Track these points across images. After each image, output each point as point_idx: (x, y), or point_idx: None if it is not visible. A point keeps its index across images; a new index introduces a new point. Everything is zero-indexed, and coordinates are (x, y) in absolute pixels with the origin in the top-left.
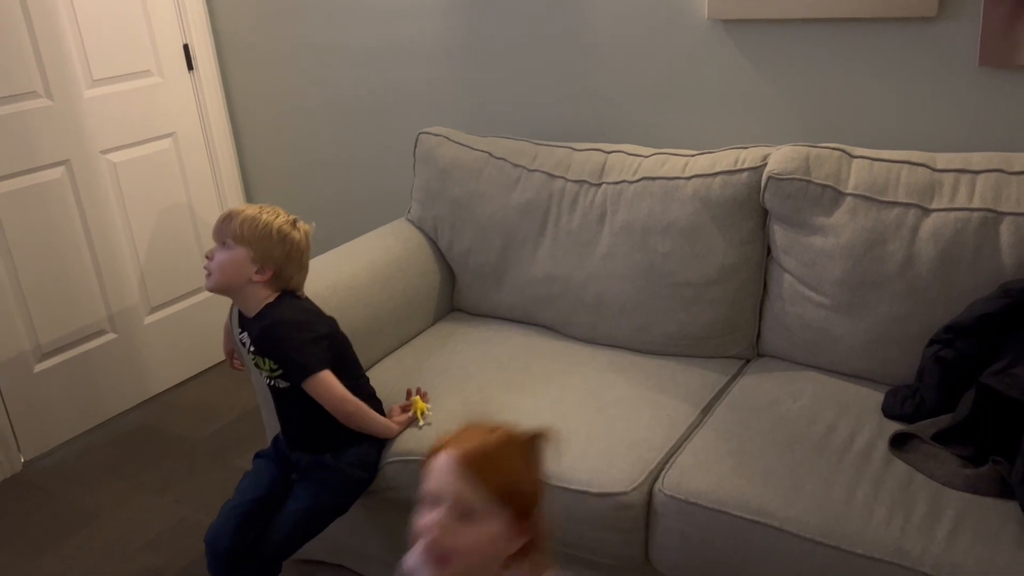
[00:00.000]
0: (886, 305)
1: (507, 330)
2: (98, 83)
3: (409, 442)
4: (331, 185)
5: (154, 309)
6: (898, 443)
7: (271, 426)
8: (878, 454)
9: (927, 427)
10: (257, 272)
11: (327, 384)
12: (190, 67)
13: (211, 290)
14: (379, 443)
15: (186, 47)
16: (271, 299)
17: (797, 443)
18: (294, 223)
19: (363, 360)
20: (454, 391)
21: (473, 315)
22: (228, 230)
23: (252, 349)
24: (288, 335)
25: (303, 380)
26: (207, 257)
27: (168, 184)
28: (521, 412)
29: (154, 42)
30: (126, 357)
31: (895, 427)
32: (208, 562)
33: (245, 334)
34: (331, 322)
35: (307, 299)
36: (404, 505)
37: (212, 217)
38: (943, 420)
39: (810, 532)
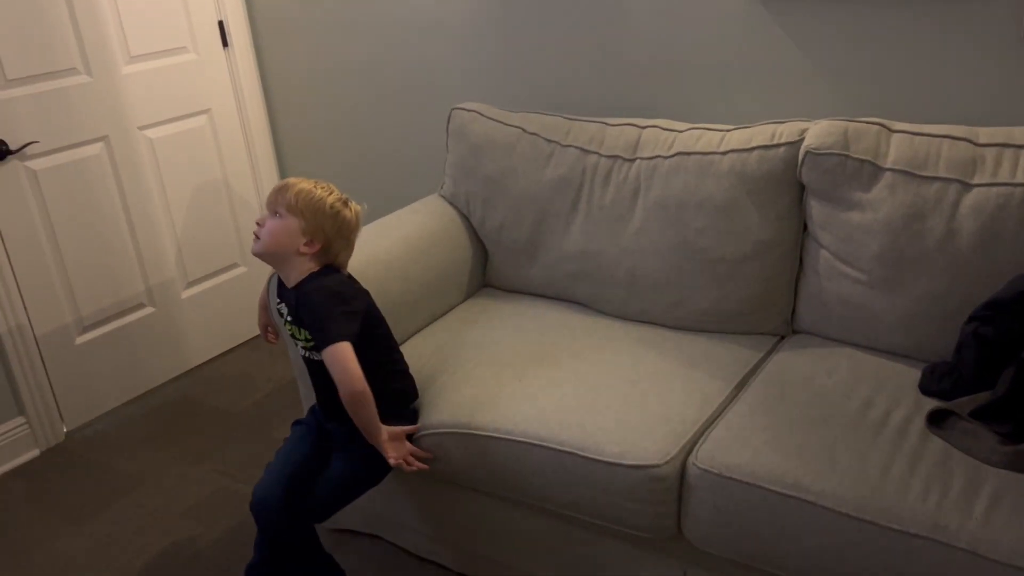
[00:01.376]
0: (925, 281)
1: (539, 306)
2: (135, 59)
3: (443, 413)
4: (364, 161)
5: (191, 284)
6: (935, 420)
7: (307, 397)
8: (915, 430)
9: (965, 404)
10: (306, 244)
11: (343, 356)
12: (225, 44)
13: (257, 254)
14: (412, 417)
15: (221, 24)
16: (314, 270)
17: (832, 418)
18: (346, 202)
19: (397, 334)
20: (487, 365)
21: (506, 291)
22: (283, 200)
23: (289, 319)
24: (323, 302)
25: (323, 347)
26: (258, 223)
27: (204, 160)
28: (553, 385)
29: (190, 19)
30: (164, 330)
31: (932, 404)
32: (259, 521)
33: (283, 304)
34: (368, 299)
35: (349, 275)
36: (439, 476)
37: (247, 192)
38: (981, 397)
39: (845, 507)
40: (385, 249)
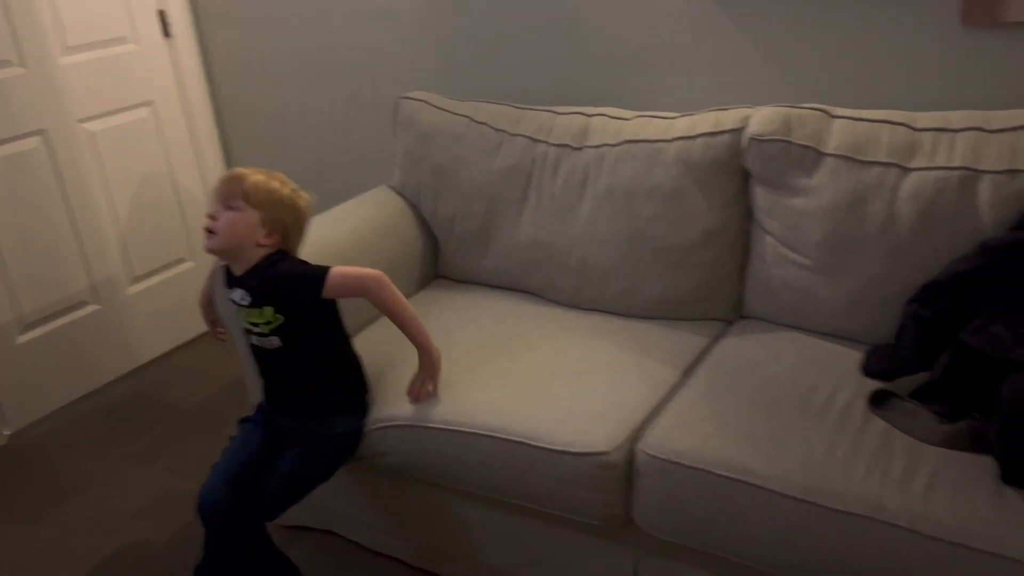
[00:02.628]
0: (867, 265)
1: (491, 296)
2: (73, 50)
3: (393, 407)
4: (312, 151)
5: (137, 279)
6: (877, 401)
7: (256, 394)
8: (858, 412)
9: (905, 385)
10: (266, 235)
11: (345, 271)
12: (166, 34)
13: (213, 250)
14: (364, 410)
15: (161, 13)
16: (267, 255)
17: (779, 403)
18: (297, 191)
19: (348, 328)
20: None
21: (458, 282)
22: (238, 191)
23: (246, 304)
24: (289, 267)
25: (322, 286)
26: (211, 217)
27: (147, 153)
28: (505, 376)
29: (129, 8)
30: (111, 327)
31: (875, 386)
32: (206, 523)
33: (237, 291)
34: None
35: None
36: (391, 470)
37: (193, 185)
38: (921, 378)
39: (792, 490)
40: (332, 241)
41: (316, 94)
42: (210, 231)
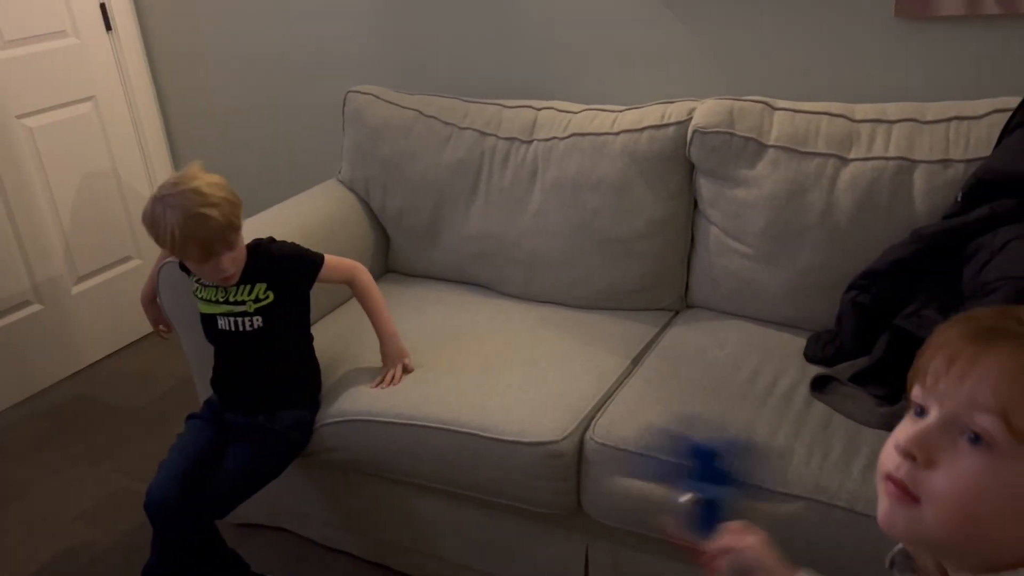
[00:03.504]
0: (807, 254)
1: (442, 289)
2: (10, 44)
3: (344, 402)
4: (260, 145)
5: (81, 279)
6: (818, 386)
7: (204, 390)
8: (799, 397)
9: (845, 369)
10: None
11: (337, 258)
12: (108, 27)
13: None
14: (314, 405)
15: (103, 6)
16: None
17: (723, 389)
18: (220, 186)
19: None
20: None
21: (408, 275)
22: (231, 237)
23: (236, 282)
24: (286, 248)
25: (319, 269)
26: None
27: (90, 149)
28: (455, 368)
29: (69, 2)
30: (54, 328)
31: (816, 371)
32: (154, 521)
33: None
34: None
35: None
36: (341, 465)
37: (138, 182)
38: (860, 362)
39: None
40: (281, 235)
41: (263, 88)
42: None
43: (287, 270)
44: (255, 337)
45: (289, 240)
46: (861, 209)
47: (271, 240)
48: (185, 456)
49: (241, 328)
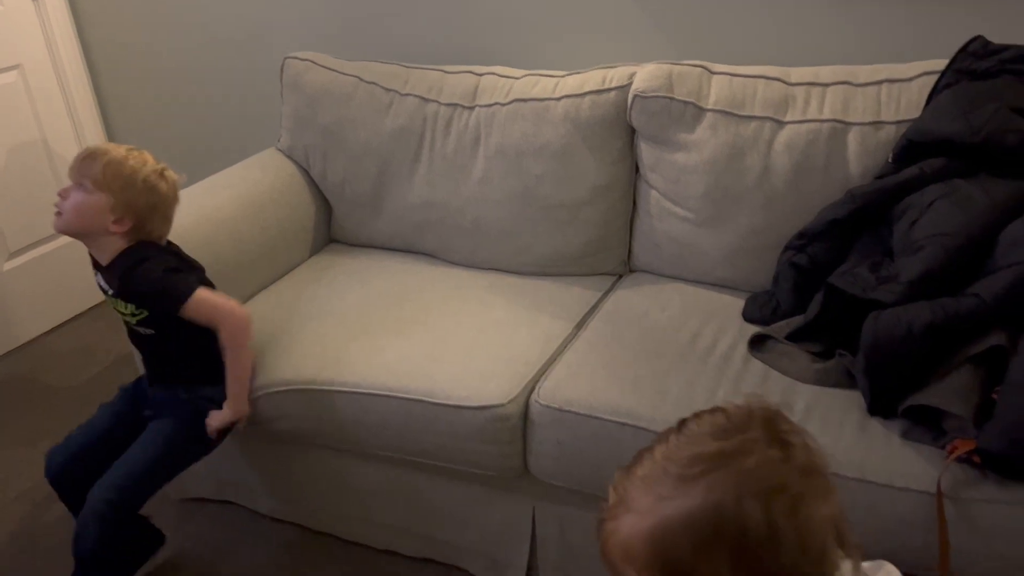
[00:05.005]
0: (745, 216)
1: (387, 259)
2: None
3: (287, 371)
4: (196, 115)
5: (13, 255)
6: (756, 345)
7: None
8: (738, 356)
9: (781, 328)
10: (115, 222)
11: (207, 300)
12: None
13: (60, 231)
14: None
15: None
16: (126, 247)
17: (664, 350)
18: (162, 172)
19: (236, 295)
20: (332, 321)
21: (352, 246)
22: (88, 171)
23: (111, 292)
24: (150, 277)
25: (179, 308)
26: (60, 195)
27: (18, 120)
28: (400, 337)
29: None
30: None
31: (754, 330)
32: (56, 491)
33: (101, 276)
34: (199, 268)
35: (169, 243)
36: (286, 436)
37: (70, 154)
38: (795, 321)
39: None
40: (215, 207)
41: (199, 54)
42: (58, 210)
43: (147, 301)
44: (153, 339)
45: (230, 207)
46: (797, 171)
47: (143, 260)
48: (89, 429)
49: (139, 332)
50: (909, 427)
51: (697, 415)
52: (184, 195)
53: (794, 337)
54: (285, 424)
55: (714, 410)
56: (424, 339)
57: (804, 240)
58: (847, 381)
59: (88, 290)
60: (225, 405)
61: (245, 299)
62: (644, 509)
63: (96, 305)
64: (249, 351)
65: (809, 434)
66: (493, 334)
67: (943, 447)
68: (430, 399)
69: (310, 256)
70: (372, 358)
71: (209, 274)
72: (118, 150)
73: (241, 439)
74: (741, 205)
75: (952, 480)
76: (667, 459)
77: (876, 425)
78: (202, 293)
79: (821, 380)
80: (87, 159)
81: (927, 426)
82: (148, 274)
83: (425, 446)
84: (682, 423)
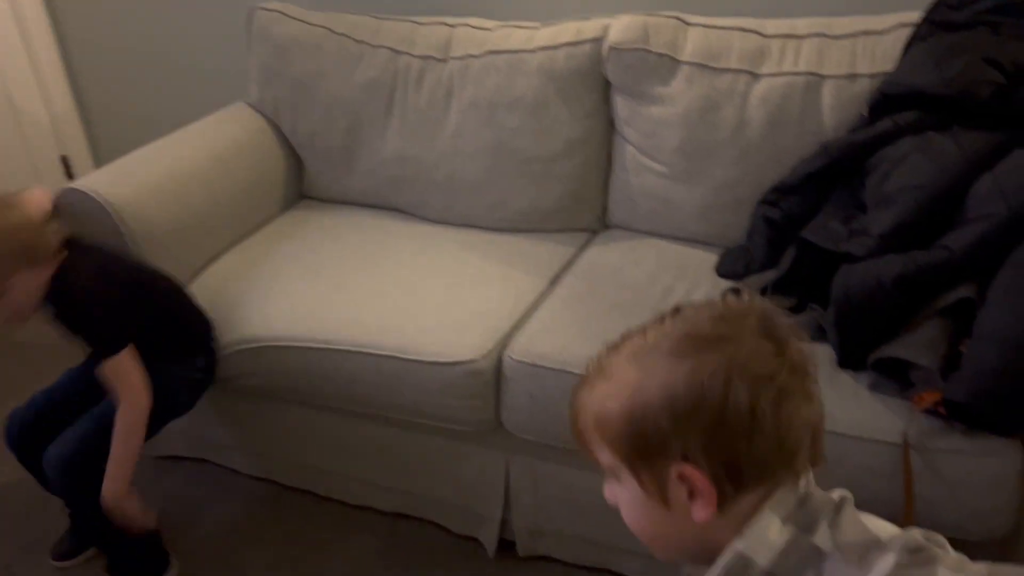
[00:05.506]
0: (720, 170)
1: (360, 215)
2: None
3: (258, 327)
4: (164, 66)
5: None
6: None
7: None
8: None
9: (755, 282)
10: (4, 285)
11: (117, 372)
12: None
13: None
14: (212, 355)
15: None
16: (53, 272)
17: (637, 305)
18: (11, 206)
19: (203, 253)
20: (304, 277)
21: (324, 202)
22: None
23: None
24: (90, 309)
25: (97, 363)
26: None
27: None
28: (374, 293)
29: None
30: None
31: (728, 285)
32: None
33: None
34: (128, 272)
35: (95, 250)
36: (260, 393)
37: (33, 107)
38: (769, 275)
39: None
40: (186, 160)
41: (166, 4)
42: None
43: (82, 336)
44: None
45: (200, 162)
46: (772, 124)
47: (83, 295)
48: (45, 394)
49: None
50: (877, 379)
51: (695, 304)
52: (152, 148)
53: (767, 291)
54: (257, 380)
55: (712, 300)
56: (397, 295)
57: (778, 194)
58: (818, 335)
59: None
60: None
61: (216, 255)
62: (627, 380)
63: None
64: (141, 436)
65: (803, 336)
66: (466, 290)
67: (910, 399)
68: (403, 355)
69: (282, 212)
70: (344, 314)
71: (178, 231)
72: None
73: (214, 397)
74: (716, 159)
75: (918, 431)
76: (660, 336)
77: (845, 378)
78: (118, 361)
79: None
80: None
81: (895, 378)
82: (91, 310)
83: (398, 401)
84: (678, 308)
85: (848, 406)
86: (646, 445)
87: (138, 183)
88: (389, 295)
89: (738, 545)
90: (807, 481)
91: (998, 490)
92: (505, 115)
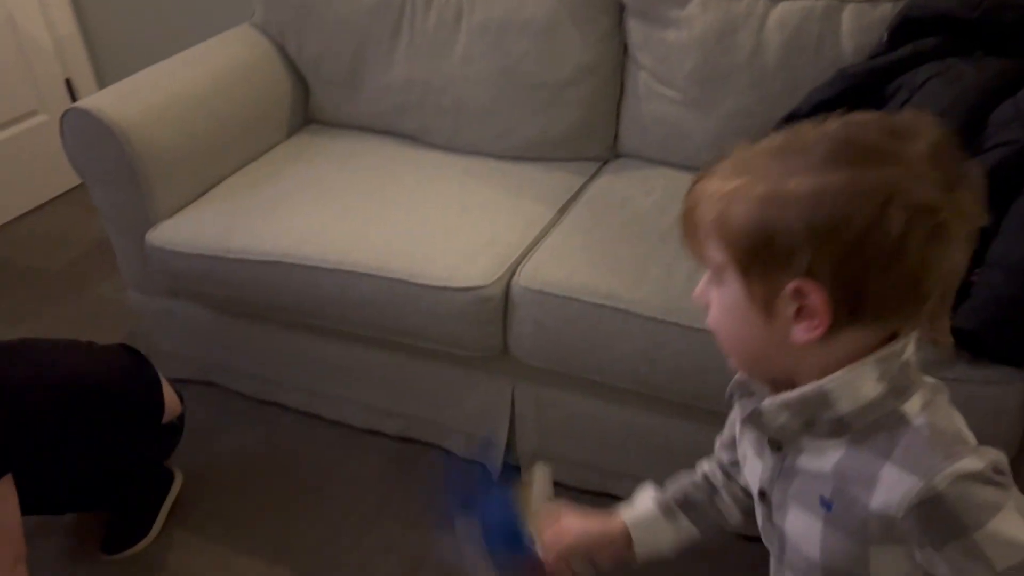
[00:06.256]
0: (733, 97)
1: (366, 140)
2: None
3: (265, 243)
4: None
5: None
6: None
7: (125, 263)
8: None
9: None
10: None
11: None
12: None
13: None
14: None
15: None
16: None
17: (645, 235)
18: None
19: (208, 176)
20: (311, 199)
21: (330, 126)
22: None
23: None
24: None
25: None
26: None
27: None
28: (381, 217)
29: None
30: None
31: None
32: None
33: None
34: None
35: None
36: (266, 313)
37: (35, 29)
38: None
39: (653, 312)
40: (191, 82)
41: None
42: None
43: None
44: None
45: (203, 84)
46: (789, 50)
47: None
48: None
49: None
50: None
51: (864, 113)
52: (156, 70)
53: None
54: (263, 296)
55: (885, 113)
56: (405, 220)
57: (790, 122)
58: None
59: (63, 173)
60: None
61: (221, 179)
62: (767, 175)
63: (72, 189)
64: None
65: (977, 180)
66: (475, 217)
67: None
68: (412, 279)
69: (288, 137)
70: (353, 237)
71: (183, 153)
72: None
73: (220, 321)
74: (730, 85)
75: (924, 359)
76: (818, 137)
77: None
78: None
79: None
80: None
81: None
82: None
83: (406, 326)
84: (845, 112)
85: None
86: (770, 253)
87: (143, 105)
88: (397, 220)
89: (827, 384)
90: (912, 348)
91: (1002, 419)
92: (515, 39)
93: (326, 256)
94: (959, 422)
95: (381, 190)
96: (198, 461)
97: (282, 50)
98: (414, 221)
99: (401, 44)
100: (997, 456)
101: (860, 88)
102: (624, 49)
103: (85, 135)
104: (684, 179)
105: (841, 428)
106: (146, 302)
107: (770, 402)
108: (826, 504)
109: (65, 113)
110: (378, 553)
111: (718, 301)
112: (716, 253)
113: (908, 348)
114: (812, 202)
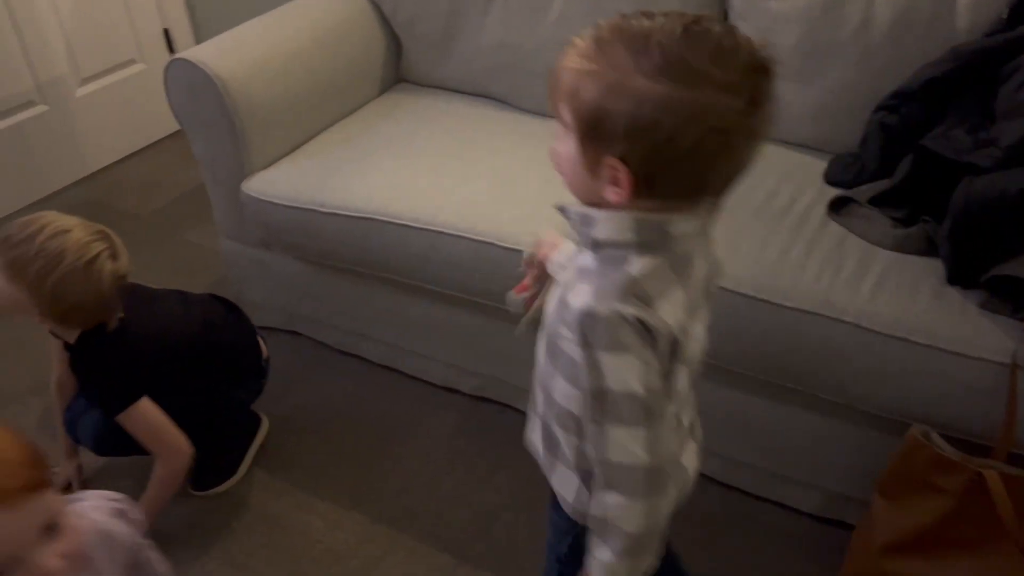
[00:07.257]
0: (837, 71)
1: (456, 101)
2: None
3: (357, 199)
4: None
5: (85, 80)
6: (836, 208)
7: (219, 208)
8: (815, 217)
9: (865, 191)
10: (40, 317)
11: (148, 423)
12: None
13: None
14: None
15: None
16: (79, 335)
17: (738, 208)
18: (92, 260)
19: (303, 130)
20: (400, 157)
21: (421, 86)
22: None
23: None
24: (91, 373)
25: (111, 414)
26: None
27: None
28: (469, 179)
29: None
30: (60, 130)
31: (835, 193)
32: None
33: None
34: (172, 351)
35: (133, 335)
36: (354, 267)
37: None
38: (881, 184)
39: (743, 288)
40: (288, 38)
41: None
42: None
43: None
44: None
45: (300, 40)
46: (898, 24)
47: (92, 344)
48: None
49: None
50: (988, 298)
51: (709, 20)
52: (255, 25)
53: (877, 201)
54: (352, 251)
55: (726, 28)
56: (492, 183)
57: (898, 100)
58: (928, 249)
59: (158, 121)
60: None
61: (315, 132)
62: (616, 66)
63: (166, 137)
64: (175, 487)
65: (773, 103)
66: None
67: (1022, 319)
68: (499, 243)
69: (379, 94)
70: (443, 197)
71: (280, 107)
72: (40, 235)
73: (309, 273)
74: (834, 59)
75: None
76: (661, 40)
77: (953, 294)
78: (143, 410)
79: (901, 246)
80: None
81: (1008, 298)
82: (92, 366)
83: (491, 288)
84: (697, 20)
85: (954, 322)
86: (598, 133)
87: (242, 58)
88: (485, 183)
89: (596, 212)
90: (688, 227)
91: None
92: (612, 1)
93: (417, 216)
94: (659, 287)
95: (470, 151)
96: (282, 408)
97: (377, 8)
98: (501, 184)
99: (495, 6)
100: (635, 312)
101: (973, 67)
102: (724, 16)
103: (188, 85)
104: (780, 153)
105: (595, 246)
106: (239, 251)
107: (573, 207)
108: (562, 301)
109: (170, 63)
110: (452, 505)
111: (562, 151)
112: (565, 116)
113: (678, 223)
114: (634, 107)
